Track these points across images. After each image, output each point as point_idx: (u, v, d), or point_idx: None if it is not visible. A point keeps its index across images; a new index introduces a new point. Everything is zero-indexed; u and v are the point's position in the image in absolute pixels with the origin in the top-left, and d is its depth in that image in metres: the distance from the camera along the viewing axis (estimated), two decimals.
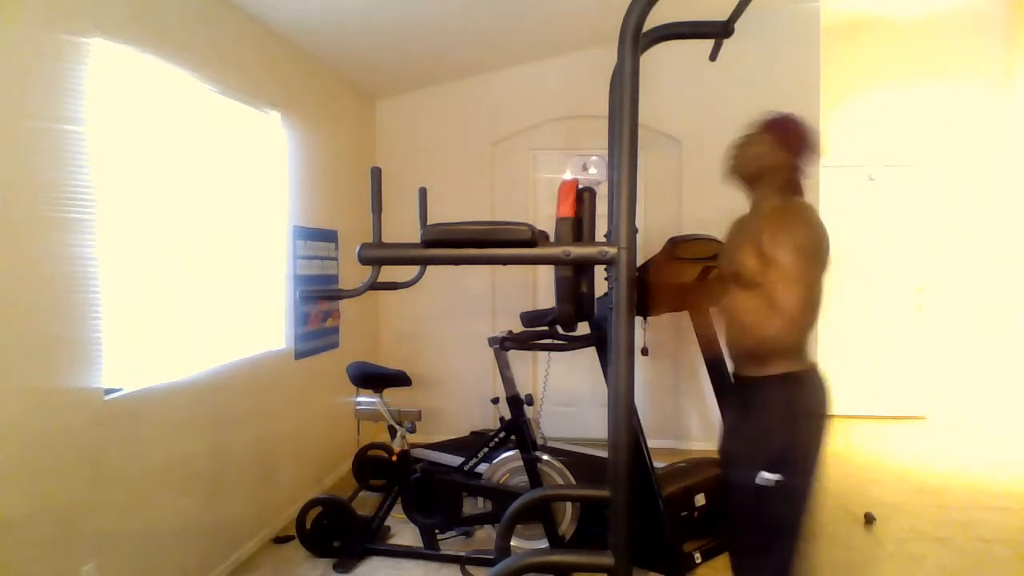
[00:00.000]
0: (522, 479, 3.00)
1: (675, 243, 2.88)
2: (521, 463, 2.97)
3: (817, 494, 1.79)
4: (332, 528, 2.94)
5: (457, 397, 4.75)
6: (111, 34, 2.18)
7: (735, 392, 1.94)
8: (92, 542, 2.08)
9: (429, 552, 2.95)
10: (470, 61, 4.49)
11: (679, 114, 4.45)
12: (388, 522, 3.13)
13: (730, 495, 1.84)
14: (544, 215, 4.70)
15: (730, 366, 1.96)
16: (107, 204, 2.18)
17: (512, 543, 2.72)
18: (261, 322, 3.26)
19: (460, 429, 4.47)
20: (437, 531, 2.99)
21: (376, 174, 1.43)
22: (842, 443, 4.79)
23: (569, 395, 4.71)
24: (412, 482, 2.97)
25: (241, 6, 2.95)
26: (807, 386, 1.81)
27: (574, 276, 1.73)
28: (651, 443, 2.92)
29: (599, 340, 2.93)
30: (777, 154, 1.82)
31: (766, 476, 1.71)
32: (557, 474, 2.94)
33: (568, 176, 4.73)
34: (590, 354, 3.05)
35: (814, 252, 1.73)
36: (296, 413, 3.48)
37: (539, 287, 4.81)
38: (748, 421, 1.83)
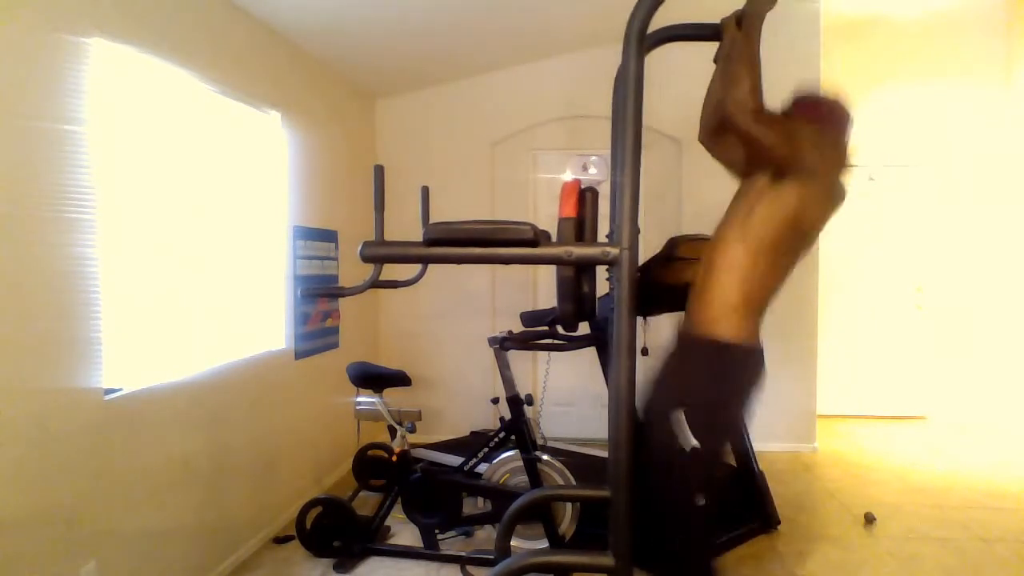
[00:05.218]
0: (522, 479, 3.00)
1: (675, 243, 2.88)
2: (521, 463, 2.97)
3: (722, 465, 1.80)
4: (332, 528, 2.93)
5: (457, 397, 4.75)
6: (111, 34, 2.17)
7: (675, 346, 1.91)
8: (92, 542, 2.08)
9: (429, 552, 2.95)
10: (470, 61, 4.49)
11: (679, 114, 4.44)
12: (388, 522, 3.12)
13: (652, 455, 1.81)
14: (544, 215, 4.70)
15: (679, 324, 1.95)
16: (107, 204, 2.17)
17: (512, 543, 2.72)
18: (261, 322, 3.26)
19: (460, 429, 4.47)
20: (437, 531, 2.98)
21: (379, 172, 1.43)
22: (842, 443, 4.79)
23: (569, 395, 4.71)
24: (412, 482, 2.97)
25: (241, 6, 2.94)
26: (748, 361, 1.81)
27: (576, 276, 1.73)
28: None
29: (599, 340, 2.93)
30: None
31: (683, 423, 1.70)
32: (557, 474, 2.94)
33: (568, 176, 4.73)
34: (590, 354, 3.05)
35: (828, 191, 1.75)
36: (296, 413, 3.48)
37: (539, 287, 4.81)
38: (682, 379, 1.83)
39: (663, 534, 1.84)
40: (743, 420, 1.82)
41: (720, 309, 1.76)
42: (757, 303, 1.78)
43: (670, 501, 1.79)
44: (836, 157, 1.85)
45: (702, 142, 2.15)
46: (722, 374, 1.77)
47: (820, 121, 1.86)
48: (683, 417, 1.72)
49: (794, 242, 1.78)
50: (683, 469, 1.73)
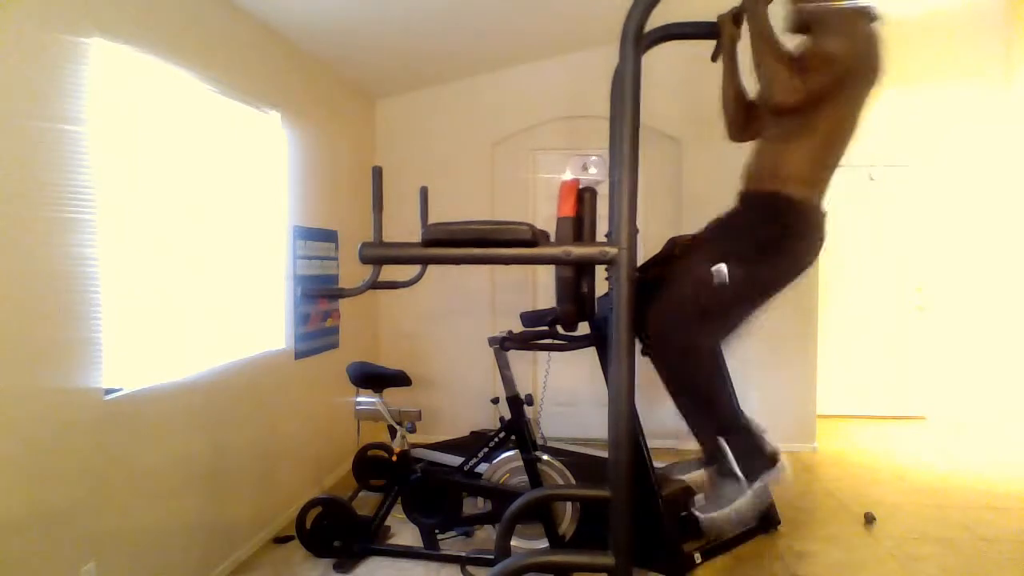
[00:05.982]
0: (522, 479, 3.00)
1: (675, 243, 2.88)
2: (521, 463, 2.97)
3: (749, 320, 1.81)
4: (332, 528, 2.94)
5: (457, 397, 4.75)
6: (111, 34, 2.17)
7: (740, 204, 1.91)
8: (92, 542, 2.08)
9: (429, 552, 2.95)
10: (470, 61, 4.49)
11: (679, 114, 4.45)
12: (388, 522, 3.12)
13: (689, 273, 1.81)
14: (544, 215, 4.70)
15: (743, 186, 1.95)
16: (107, 204, 2.18)
17: (512, 543, 2.72)
18: (261, 322, 3.26)
19: (460, 429, 4.47)
20: (437, 531, 2.98)
21: (377, 173, 1.44)
22: (842, 443, 4.79)
23: (569, 395, 4.71)
24: (412, 482, 2.97)
25: (241, 6, 2.95)
26: (816, 220, 1.82)
27: (575, 276, 1.74)
28: (651, 443, 2.91)
29: (599, 340, 2.93)
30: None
31: (722, 270, 1.71)
32: (557, 474, 2.94)
33: (568, 176, 4.73)
34: (590, 354, 3.04)
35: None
36: (296, 413, 3.48)
37: (539, 287, 4.81)
38: (736, 228, 1.84)
39: (674, 376, 1.83)
40: (777, 293, 1.80)
41: (789, 172, 1.78)
42: (822, 176, 1.81)
43: (691, 308, 1.78)
44: (866, 32, 1.83)
45: (733, 139, 2.13)
46: (784, 229, 1.78)
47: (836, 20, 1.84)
48: (735, 249, 1.73)
49: (845, 103, 1.79)
50: (700, 304, 1.73)
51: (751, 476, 1.74)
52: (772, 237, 1.77)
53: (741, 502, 1.73)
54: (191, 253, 2.72)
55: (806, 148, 1.77)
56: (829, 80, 1.72)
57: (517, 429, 2.94)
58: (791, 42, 1.85)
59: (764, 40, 1.75)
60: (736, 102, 2.04)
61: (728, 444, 1.78)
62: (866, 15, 1.84)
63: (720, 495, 1.78)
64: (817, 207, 1.82)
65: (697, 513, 1.77)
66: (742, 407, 1.92)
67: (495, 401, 3.42)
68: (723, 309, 1.76)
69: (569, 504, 2.94)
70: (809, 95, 1.72)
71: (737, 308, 1.79)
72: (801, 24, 1.89)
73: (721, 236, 1.87)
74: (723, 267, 1.69)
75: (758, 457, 1.77)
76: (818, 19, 1.84)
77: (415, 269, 2.52)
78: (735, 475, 1.76)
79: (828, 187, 1.85)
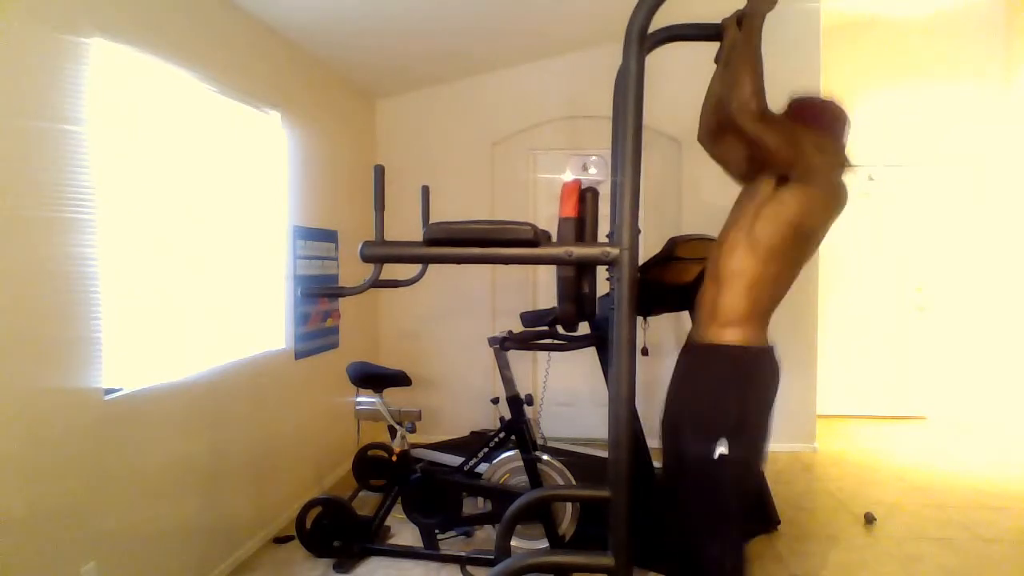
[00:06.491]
0: (522, 479, 3.00)
1: (675, 243, 2.88)
2: (521, 463, 2.97)
3: (759, 471, 1.82)
4: (332, 528, 2.93)
5: (457, 397, 4.75)
6: (111, 34, 2.17)
7: (689, 357, 1.93)
8: (92, 542, 2.08)
9: (429, 552, 2.94)
10: (470, 61, 4.49)
11: (680, 114, 4.42)
12: (388, 522, 3.12)
13: (685, 467, 1.83)
14: (544, 215, 4.70)
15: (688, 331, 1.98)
16: (107, 204, 2.17)
17: (512, 543, 2.72)
18: (261, 322, 3.25)
19: (460, 429, 4.47)
20: (437, 531, 2.98)
21: (379, 172, 1.43)
22: (842, 443, 4.79)
23: (569, 395, 4.71)
24: (412, 482, 2.97)
25: (241, 6, 2.94)
26: (763, 361, 1.83)
27: (576, 276, 1.73)
28: (651, 443, 2.91)
29: (599, 340, 2.93)
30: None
31: (721, 449, 1.72)
32: (557, 474, 2.94)
33: (568, 176, 4.72)
34: (590, 354, 3.04)
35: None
36: (296, 413, 3.48)
37: (539, 287, 4.81)
38: (702, 388, 1.84)
39: (694, 544, 1.84)
40: (767, 421, 1.82)
41: (729, 316, 1.78)
42: (765, 308, 1.81)
43: (703, 512, 1.80)
44: (837, 159, 1.85)
45: (701, 141, 2.15)
46: (739, 377, 1.79)
47: (818, 123, 1.87)
48: (706, 425, 1.74)
49: (800, 246, 1.80)
50: (713, 477, 1.74)
51: None
52: (733, 389, 1.78)
53: None
54: (191, 253, 2.71)
55: (741, 286, 1.76)
56: (779, 147, 1.72)
57: (517, 429, 2.94)
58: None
59: (748, 47, 1.75)
60: (716, 108, 2.04)
61: None
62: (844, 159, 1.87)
63: None
64: (759, 350, 1.81)
65: None
66: None
67: (495, 401, 3.41)
68: (739, 483, 1.78)
69: (569, 504, 2.94)
70: (756, 133, 1.71)
71: (747, 475, 1.82)
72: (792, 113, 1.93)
73: (692, 406, 1.87)
74: (723, 443, 1.71)
75: None
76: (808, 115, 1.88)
77: (416, 268, 2.52)
78: None
79: (770, 317, 1.84)
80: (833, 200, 1.81)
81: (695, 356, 1.90)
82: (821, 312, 4.64)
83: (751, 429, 1.78)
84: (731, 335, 1.77)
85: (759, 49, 1.75)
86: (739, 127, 1.73)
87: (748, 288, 1.76)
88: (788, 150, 1.72)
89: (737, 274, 1.77)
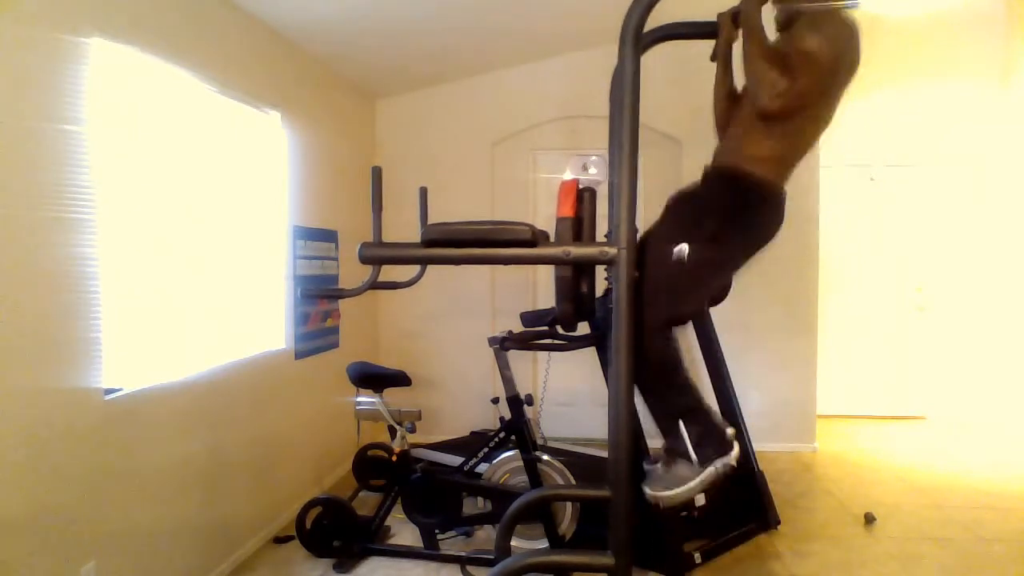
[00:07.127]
0: (522, 479, 3.00)
1: None
2: (521, 463, 2.97)
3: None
4: (332, 528, 2.94)
5: (457, 397, 4.75)
6: (111, 34, 2.17)
7: (701, 182, 1.89)
8: (92, 542, 2.08)
9: (429, 552, 2.95)
10: (470, 61, 4.49)
11: (679, 114, 4.44)
12: (388, 522, 3.12)
13: (647, 268, 1.76)
14: (544, 215, 4.69)
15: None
16: (107, 204, 2.18)
17: (512, 543, 2.72)
18: (261, 322, 3.26)
19: (460, 429, 4.47)
20: (437, 531, 2.98)
21: (377, 173, 1.44)
22: (842, 443, 4.79)
23: (569, 395, 4.71)
24: (412, 482, 2.97)
25: (241, 6, 2.95)
26: (771, 200, 1.79)
27: (574, 276, 1.73)
28: (651, 443, 2.91)
29: (599, 340, 2.93)
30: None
31: (683, 249, 1.68)
32: (557, 474, 2.94)
33: (568, 176, 4.73)
34: (590, 354, 3.04)
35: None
36: (296, 413, 3.48)
37: (539, 287, 4.81)
38: (696, 200, 1.82)
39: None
40: (739, 256, 1.80)
41: (753, 152, 1.75)
42: (787, 162, 1.79)
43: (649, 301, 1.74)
44: (844, 24, 1.82)
45: (719, 134, 2.13)
46: (742, 206, 1.75)
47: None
48: (680, 225, 1.72)
49: (824, 103, 1.77)
50: (662, 284, 1.71)
51: (704, 461, 1.75)
52: (730, 213, 1.75)
53: (690, 485, 1.74)
54: (191, 253, 2.72)
55: (777, 133, 1.75)
56: (813, 81, 1.72)
57: (517, 429, 2.94)
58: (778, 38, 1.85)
59: (754, 41, 1.75)
60: (726, 101, 2.03)
61: (685, 427, 1.78)
62: (844, 8, 1.83)
63: (671, 475, 1.78)
64: (778, 189, 1.81)
65: (646, 488, 1.77)
66: (738, 403, 1.92)
67: (495, 401, 3.42)
68: (678, 289, 1.75)
69: (569, 504, 2.94)
70: (795, 98, 1.71)
71: (692, 287, 1.79)
72: (786, 21, 1.89)
73: (679, 212, 1.85)
74: (684, 247, 1.67)
75: (713, 443, 1.77)
76: (798, 14, 1.83)
77: (415, 269, 2.52)
78: (689, 458, 1.76)
79: (791, 173, 1.83)
80: (853, 64, 1.77)
81: (703, 179, 1.87)
82: (821, 312, 4.63)
83: (720, 249, 1.74)
84: (751, 166, 1.75)
85: (763, 36, 1.75)
86: (790, 108, 1.71)
87: (779, 137, 1.74)
88: (820, 63, 1.69)
89: (764, 127, 1.75)
